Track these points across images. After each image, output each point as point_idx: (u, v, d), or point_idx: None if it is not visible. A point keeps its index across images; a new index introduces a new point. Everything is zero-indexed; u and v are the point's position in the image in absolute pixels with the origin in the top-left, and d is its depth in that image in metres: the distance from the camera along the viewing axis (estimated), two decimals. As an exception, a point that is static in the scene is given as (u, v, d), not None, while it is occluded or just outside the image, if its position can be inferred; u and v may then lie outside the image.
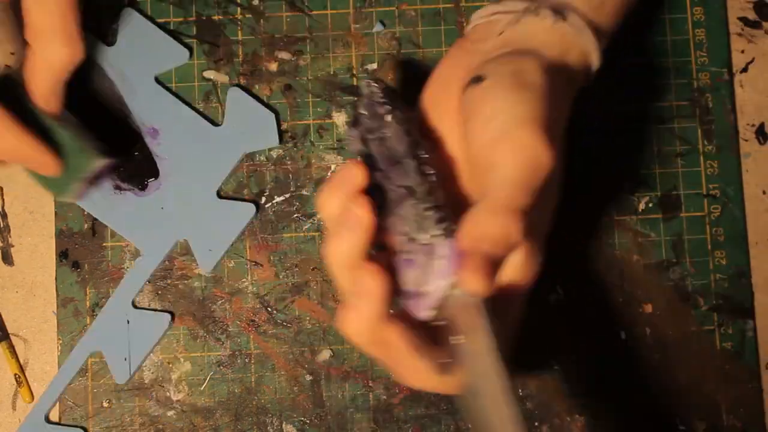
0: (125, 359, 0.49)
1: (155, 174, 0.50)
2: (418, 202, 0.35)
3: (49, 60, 0.41)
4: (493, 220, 0.33)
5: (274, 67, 0.51)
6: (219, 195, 0.50)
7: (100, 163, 0.45)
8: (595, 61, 0.41)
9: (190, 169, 0.50)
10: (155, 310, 0.49)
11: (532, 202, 0.34)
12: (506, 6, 0.40)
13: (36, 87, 0.42)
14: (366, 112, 0.38)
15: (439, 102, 0.40)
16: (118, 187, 0.50)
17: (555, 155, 0.35)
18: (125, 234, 0.50)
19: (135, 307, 0.49)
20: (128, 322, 0.49)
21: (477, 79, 0.37)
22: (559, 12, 0.39)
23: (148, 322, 0.49)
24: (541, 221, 0.38)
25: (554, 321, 0.49)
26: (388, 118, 0.37)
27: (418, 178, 0.36)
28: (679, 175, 0.50)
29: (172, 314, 0.49)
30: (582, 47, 0.40)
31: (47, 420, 0.49)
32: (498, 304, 0.35)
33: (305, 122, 0.51)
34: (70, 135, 0.44)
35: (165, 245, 0.49)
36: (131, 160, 0.49)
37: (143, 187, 0.50)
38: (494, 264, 0.34)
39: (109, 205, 0.49)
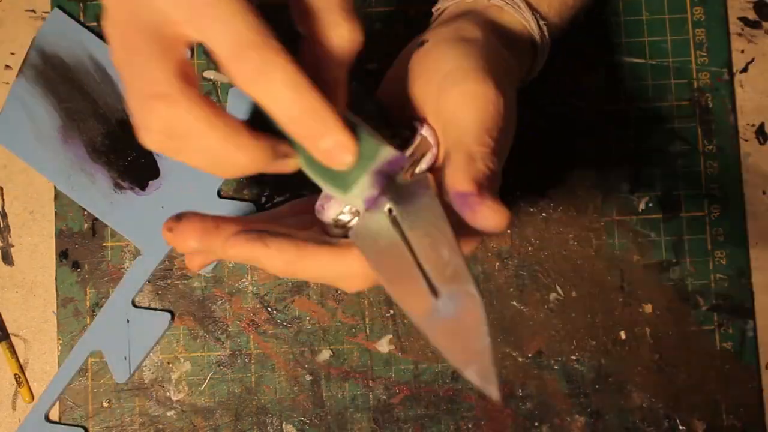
0: (125, 358, 0.49)
1: (155, 174, 0.50)
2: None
3: (330, 45, 0.34)
4: (473, 165, 0.34)
5: (274, 67, 0.51)
6: (219, 195, 0.50)
7: (389, 152, 0.35)
8: (536, 37, 0.42)
9: (191, 169, 0.50)
10: (155, 309, 0.50)
11: (498, 136, 0.36)
12: None
13: (321, 79, 0.34)
14: None
15: (398, 79, 0.42)
16: (118, 186, 0.50)
17: (506, 98, 0.36)
18: (125, 233, 0.50)
19: (135, 306, 0.49)
20: (128, 321, 0.49)
21: (420, 43, 0.39)
22: None
23: (148, 322, 0.49)
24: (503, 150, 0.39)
25: (554, 321, 0.49)
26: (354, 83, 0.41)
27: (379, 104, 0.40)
28: (679, 175, 0.50)
29: (172, 313, 0.49)
30: (522, 23, 0.41)
31: (47, 419, 0.49)
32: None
33: (305, 122, 0.51)
34: (355, 121, 0.36)
35: (165, 245, 0.49)
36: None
37: (143, 186, 0.50)
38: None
39: (109, 204, 0.50)
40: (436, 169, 0.38)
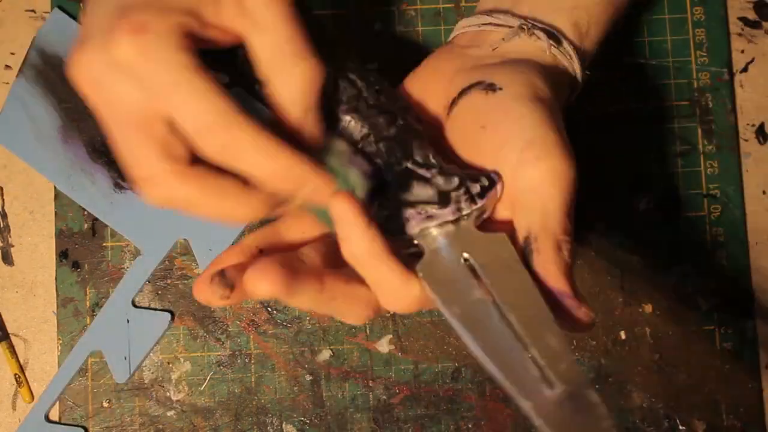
0: (125, 358, 0.49)
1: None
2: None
3: (293, 87, 0.34)
4: (561, 256, 0.34)
5: (274, 67, 0.51)
6: (220, 194, 0.50)
7: (368, 186, 0.37)
8: (579, 84, 0.42)
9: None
10: (155, 309, 0.50)
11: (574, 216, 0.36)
12: (498, 19, 0.41)
13: (290, 119, 0.35)
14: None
15: (425, 90, 0.41)
16: (118, 186, 0.50)
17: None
18: (125, 233, 0.50)
19: (135, 306, 0.49)
20: (128, 321, 0.49)
21: (490, 86, 0.38)
22: (554, 36, 0.40)
23: (148, 321, 0.49)
24: None
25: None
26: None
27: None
28: (679, 175, 0.50)
29: (172, 313, 0.49)
30: (570, 71, 0.41)
31: (47, 419, 0.49)
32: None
33: (305, 122, 0.51)
34: (335, 159, 0.37)
35: (165, 244, 0.49)
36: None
37: (143, 186, 0.50)
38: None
39: (109, 204, 0.50)
40: (492, 220, 0.38)
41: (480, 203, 0.36)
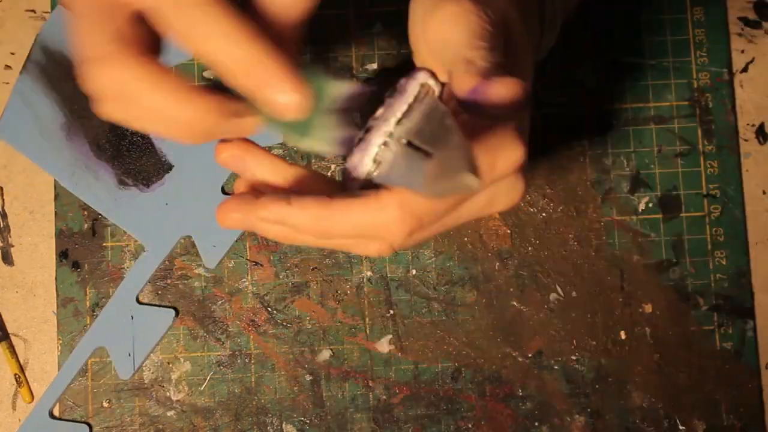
0: (129, 355, 0.49)
1: (159, 170, 0.50)
2: None
3: (278, 5, 0.33)
4: (474, 65, 0.33)
5: (274, 67, 0.51)
6: (223, 191, 0.50)
7: (344, 87, 0.34)
8: None
9: (195, 165, 0.50)
10: (159, 305, 0.49)
11: (493, 42, 0.34)
12: None
13: (277, 21, 0.33)
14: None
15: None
16: (122, 183, 0.50)
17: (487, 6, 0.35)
18: (129, 230, 0.49)
19: (139, 303, 0.49)
20: (132, 317, 0.49)
21: None
22: None
23: (152, 318, 0.49)
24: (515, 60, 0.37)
25: (554, 321, 0.49)
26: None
27: None
28: (679, 175, 0.50)
29: (177, 310, 0.49)
30: None
31: (51, 415, 0.49)
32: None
33: (305, 122, 0.51)
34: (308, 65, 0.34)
35: (169, 241, 0.49)
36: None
37: (147, 183, 0.50)
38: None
39: (113, 201, 0.50)
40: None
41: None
